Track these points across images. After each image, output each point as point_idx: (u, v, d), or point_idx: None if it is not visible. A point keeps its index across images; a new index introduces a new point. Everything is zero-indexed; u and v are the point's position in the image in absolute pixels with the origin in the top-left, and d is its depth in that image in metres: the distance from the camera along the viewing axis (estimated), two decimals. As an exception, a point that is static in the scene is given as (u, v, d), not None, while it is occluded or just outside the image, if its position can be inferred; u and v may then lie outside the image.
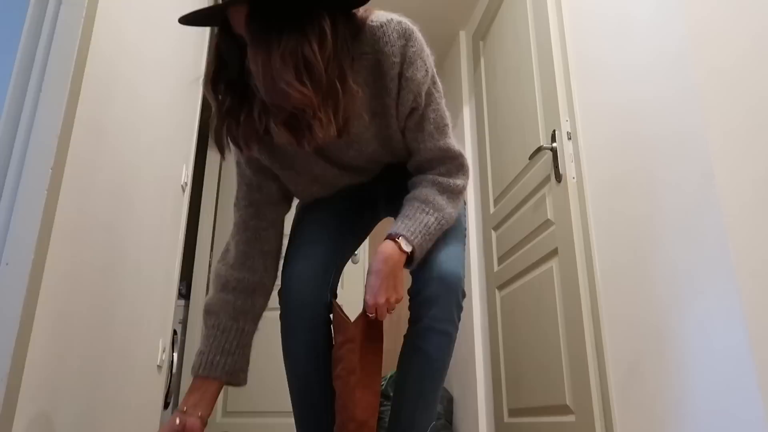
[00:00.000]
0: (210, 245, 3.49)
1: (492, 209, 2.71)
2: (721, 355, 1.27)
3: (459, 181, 1.28)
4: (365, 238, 1.53)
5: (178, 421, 1.17)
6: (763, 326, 1.20)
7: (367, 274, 1.20)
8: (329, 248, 1.34)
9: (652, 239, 1.54)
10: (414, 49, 1.18)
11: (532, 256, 2.24)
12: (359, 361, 1.21)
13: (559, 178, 2.03)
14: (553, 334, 2.03)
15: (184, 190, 2.58)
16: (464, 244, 1.37)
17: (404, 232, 1.20)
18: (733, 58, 1.40)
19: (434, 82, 1.26)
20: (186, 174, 2.59)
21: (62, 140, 1.32)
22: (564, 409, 1.93)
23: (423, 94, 1.23)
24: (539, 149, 2.10)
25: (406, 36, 1.17)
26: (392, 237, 1.20)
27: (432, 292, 1.23)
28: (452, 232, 1.32)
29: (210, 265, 3.45)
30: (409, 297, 1.26)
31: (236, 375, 1.26)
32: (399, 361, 1.30)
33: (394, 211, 1.31)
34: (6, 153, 1.30)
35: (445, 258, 1.26)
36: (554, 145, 2.07)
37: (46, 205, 1.26)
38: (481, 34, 3.01)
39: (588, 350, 1.79)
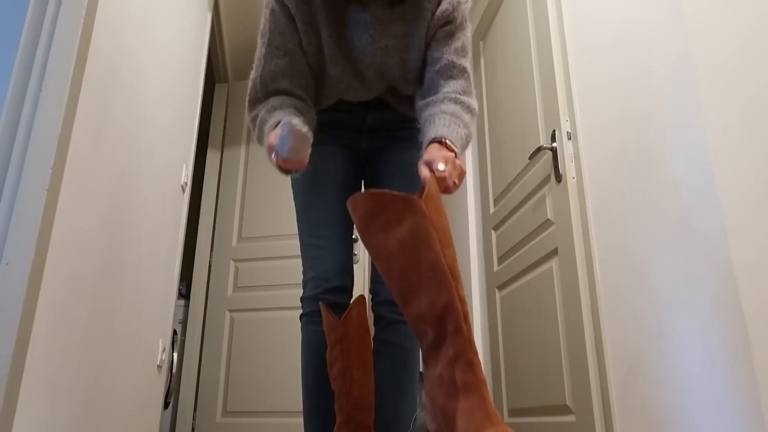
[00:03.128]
0: (210, 245, 3.49)
1: (492, 209, 2.71)
2: (721, 355, 1.27)
3: (475, 104, 1.31)
4: None
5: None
6: (763, 326, 1.20)
7: (428, 156, 1.10)
8: (347, 238, 1.38)
9: (652, 239, 1.54)
10: None
11: (532, 256, 2.24)
12: (352, 362, 1.23)
13: (559, 178, 2.03)
14: (553, 334, 2.03)
15: (184, 190, 2.58)
16: None
17: (450, 137, 1.16)
18: (731, 57, 1.40)
19: (467, 20, 1.36)
20: (186, 174, 2.59)
21: (62, 140, 1.32)
22: (564, 409, 1.93)
23: (459, 15, 1.31)
24: (539, 149, 2.10)
25: None
26: (442, 141, 1.15)
27: (390, 296, 1.29)
28: None
29: (210, 266, 3.45)
30: (370, 297, 1.33)
31: None
32: (374, 361, 1.33)
33: (372, 169, 1.42)
34: (6, 153, 1.30)
35: None
36: (554, 145, 2.07)
37: (46, 205, 1.26)
38: (481, 34, 3.01)
39: (588, 350, 1.79)
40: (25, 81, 1.35)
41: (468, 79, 1.32)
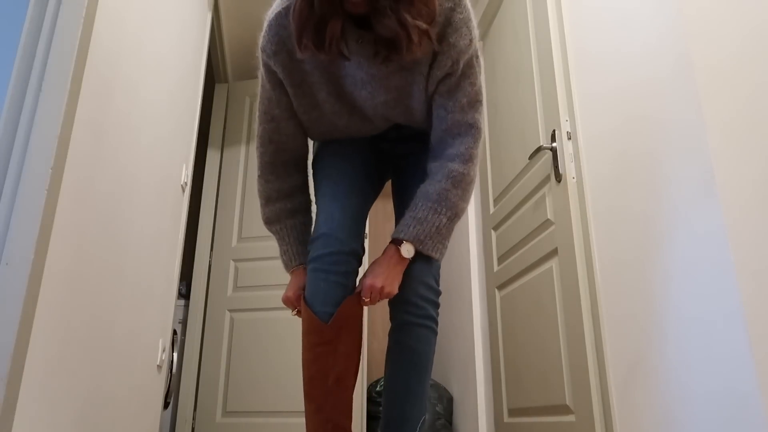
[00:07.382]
0: (210, 245, 3.49)
1: (492, 209, 2.71)
2: (721, 355, 1.27)
3: (473, 170, 1.29)
4: (377, 195, 1.52)
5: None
6: (763, 326, 1.20)
7: (370, 264, 1.26)
8: (360, 200, 1.35)
9: (652, 239, 1.54)
10: (461, 16, 1.17)
11: (531, 256, 2.24)
12: (335, 364, 1.18)
13: (558, 178, 2.03)
14: (553, 333, 2.03)
15: (184, 190, 2.58)
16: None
17: (410, 239, 1.24)
18: (731, 57, 1.40)
19: (476, 55, 1.25)
20: (186, 174, 2.59)
21: (62, 140, 1.32)
22: (564, 409, 1.93)
23: (462, 62, 1.22)
24: (539, 149, 2.10)
25: (455, 0, 1.16)
26: (396, 243, 1.25)
27: (407, 295, 1.28)
28: None
29: (210, 266, 3.45)
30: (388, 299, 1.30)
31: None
32: (386, 360, 1.32)
33: (399, 174, 1.41)
34: (6, 153, 1.30)
35: (421, 266, 1.30)
36: (554, 145, 2.07)
37: (46, 205, 1.26)
38: (480, 34, 3.01)
39: (588, 350, 1.79)
40: (25, 81, 1.35)
41: (474, 135, 1.27)
